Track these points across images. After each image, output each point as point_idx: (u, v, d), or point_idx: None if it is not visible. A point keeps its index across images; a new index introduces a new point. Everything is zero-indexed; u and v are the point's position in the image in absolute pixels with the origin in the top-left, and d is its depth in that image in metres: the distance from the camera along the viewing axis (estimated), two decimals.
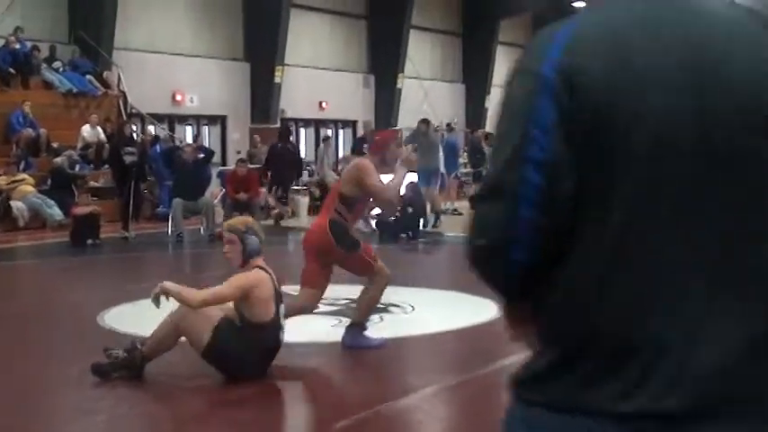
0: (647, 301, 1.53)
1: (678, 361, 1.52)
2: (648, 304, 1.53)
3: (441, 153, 17.37)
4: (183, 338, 6.01)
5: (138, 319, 6.95)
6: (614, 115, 1.48)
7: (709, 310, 1.53)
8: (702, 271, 1.53)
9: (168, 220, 15.69)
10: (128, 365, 5.96)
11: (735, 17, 1.59)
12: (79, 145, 19.79)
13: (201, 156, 16.07)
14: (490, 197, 1.56)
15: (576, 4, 32.01)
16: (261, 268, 5.91)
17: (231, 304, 5.98)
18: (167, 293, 5.83)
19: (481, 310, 7.88)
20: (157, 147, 19.82)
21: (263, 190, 17.61)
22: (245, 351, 5.84)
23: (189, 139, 20.61)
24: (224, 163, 24.73)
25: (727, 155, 1.52)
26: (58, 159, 18.35)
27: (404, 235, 14.49)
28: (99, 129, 20.15)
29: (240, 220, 6.41)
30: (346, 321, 7.24)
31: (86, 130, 20.01)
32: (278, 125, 24.73)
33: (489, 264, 1.61)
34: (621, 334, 1.53)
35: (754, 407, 1.55)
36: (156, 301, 5.86)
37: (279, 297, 6.07)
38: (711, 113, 1.50)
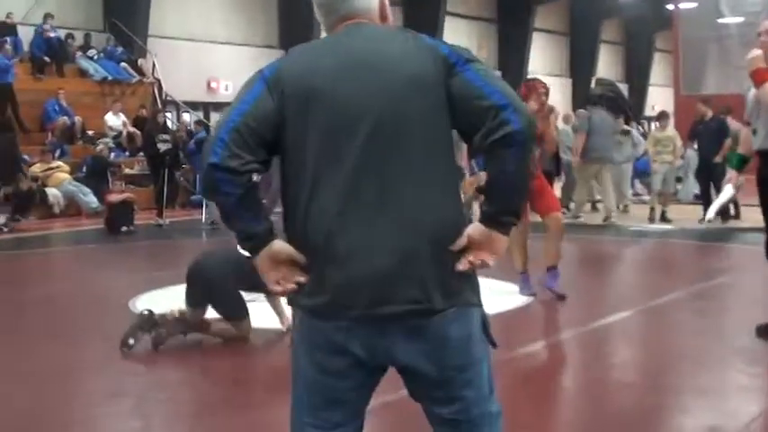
0: (327, 218, 2.33)
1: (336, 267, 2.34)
2: (328, 222, 2.33)
3: None
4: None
5: (169, 305, 6.90)
6: (303, 95, 2.36)
7: (368, 230, 2.31)
8: (359, 199, 2.32)
9: (202, 208, 15.68)
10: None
11: (392, 37, 2.46)
12: (109, 133, 19.85)
13: None
14: (212, 132, 2.40)
15: None
16: None
17: None
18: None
19: (504, 296, 7.82)
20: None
21: None
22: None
23: None
24: None
25: (373, 120, 2.33)
26: (99, 146, 18.41)
27: None
28: (122, 115, 20.22)
29: None
30: None
31: (110, 117, 20.07)
32: None
33: (205, 180, 2.36)
34: (311, 244, 2.35)
35: (389, 307, 2.32)
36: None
37: None
38: (361, 92, 2.35)
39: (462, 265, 2.38)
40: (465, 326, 2.41)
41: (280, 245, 2.40)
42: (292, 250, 2.39)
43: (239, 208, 2.35)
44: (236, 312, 6.53)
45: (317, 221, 2.34)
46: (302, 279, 2.37)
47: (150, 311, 6.37)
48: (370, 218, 2.31)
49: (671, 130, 16.20)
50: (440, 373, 2.39)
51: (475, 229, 2.39)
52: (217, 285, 6.45)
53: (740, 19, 26.43)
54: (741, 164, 6.80)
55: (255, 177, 2.36)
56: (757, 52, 6.10)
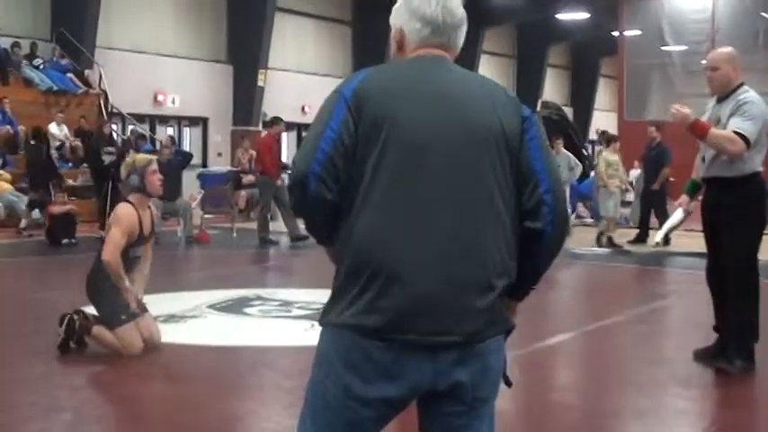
0: (389, 241, 2.38)
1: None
2: (389, 244, 2.38)
3: None
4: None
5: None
6: (382, 120, 2.43)
7: (430, 258, 2.38)
8: (424, 227, 2.39)
9: None
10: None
11: (473, 81, 2.65)
12: (53, 143, 19.57)
13: (178, 158, 15.78)
14: (300, 155, 2.47)
15: (558, 16, 32.16)
16: None
17: None
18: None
19: None
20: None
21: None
22: None
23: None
24: (204, 164, 24.61)
25: (451, 153, 2.44)
26: (53, 152, 17.98)
27: None
28: (64, 127, 19.99)
29: None
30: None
31: (53, 127, 19.82)
32: (260, 128, 24.66)
33: (294, 194, 2.47)
34: (369, 264, 2.38)
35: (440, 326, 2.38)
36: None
37: None
38: (443, 126, 2.46)
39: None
40: (500, 357, 2.53)
41: None
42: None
43: (323, 228, 2.52)
44: (106, 319, 6.62)
45: (379, 243, 2.39)
46: None
47: (66, 313, 6.66)
48: (434, 246, 2.39)
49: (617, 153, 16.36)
50: (472, 400, 2.47)
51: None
52: (89, 287, 6.75)
53: (683, 47, 26.92)
54: (693, 189, 6.86)
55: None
56: (682, 111, 6.09)
